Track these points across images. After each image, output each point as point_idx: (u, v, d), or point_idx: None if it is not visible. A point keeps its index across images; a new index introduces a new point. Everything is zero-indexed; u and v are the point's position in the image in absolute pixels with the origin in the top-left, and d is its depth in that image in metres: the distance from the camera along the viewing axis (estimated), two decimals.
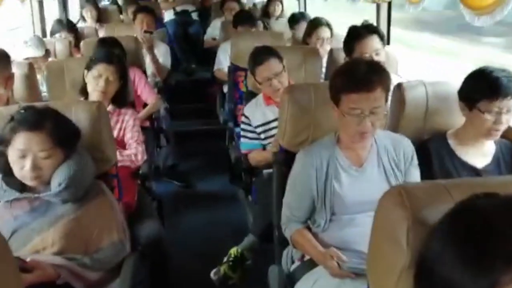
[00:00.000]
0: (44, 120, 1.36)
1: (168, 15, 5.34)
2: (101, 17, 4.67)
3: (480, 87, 1.58)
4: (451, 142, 1.72)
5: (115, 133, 2.20)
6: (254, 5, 5.24)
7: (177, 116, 4.16)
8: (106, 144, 1.60)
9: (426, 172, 1.66)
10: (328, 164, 1.56)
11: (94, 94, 2.20)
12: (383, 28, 2.79)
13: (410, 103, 1.76)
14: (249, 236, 2.21)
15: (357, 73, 1.44)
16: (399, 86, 1.77)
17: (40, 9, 3.75)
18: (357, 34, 2.21)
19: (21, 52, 2.87)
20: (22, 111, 1.37)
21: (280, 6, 4.95)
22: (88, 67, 2.21)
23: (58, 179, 1.37)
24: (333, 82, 1.51)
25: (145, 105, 3.08)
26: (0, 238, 0.78)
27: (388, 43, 2.81)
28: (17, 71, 2.16)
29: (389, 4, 2.79)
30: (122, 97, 2.27)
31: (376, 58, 2.18)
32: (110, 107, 2.24)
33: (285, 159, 1.74)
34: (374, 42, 2.19)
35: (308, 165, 1.57)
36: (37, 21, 3.75)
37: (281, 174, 1.72)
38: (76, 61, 2.47)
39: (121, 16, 4.98)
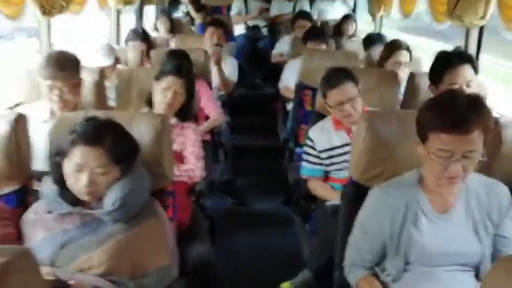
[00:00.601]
0: (104, 135, 1.30)
1: (239, 30, 5.36)
2: (174, 28, 4.77)
3: None
4: None
5: (176, 147, 2.14)
6: (327, 22, 5.10)
7: (238, 130, 4.12)
8: (166, 160, 1.52)
9: None
10: (407, 207, 1.37)
11: (160, 106, 2.16)
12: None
13: (507, 143, 1.52)
14: (304, 272, 2.03)
15: (453, 109, 1.23)
16: (495, 122, 1.54)
17: (116, 18, 3.87)
18: (447, 61, 1.99)
19: (92, 61, 2.95)
20: (84, 123, 1.32)
21: (354, 25, 4.79)
22: (157, 78, 2.18)
23: (112, 198, 1.30)
24: (421, 115, 1.31)
25: (207, 118, 3.03)
26: (27, 252, 0.73)
27: (477, 72, 2.54)
28: (88, 77, 2.17)
29: (481, 29, 2.53)
30: (187, 110, 2.21)
31: (467, 90, 1.95)
32: (173, 120, 2.19)
33: (355, 193, 1.56)
34: (466, 72, 1.96)
35: (383, 204, 1.38)
36: (113, 29, 3.87)
37: (350, 209, 1.54)
38: (145, 71, 2.46)
39: (193, 28, 5.06)
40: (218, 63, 3.43)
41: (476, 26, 2.46)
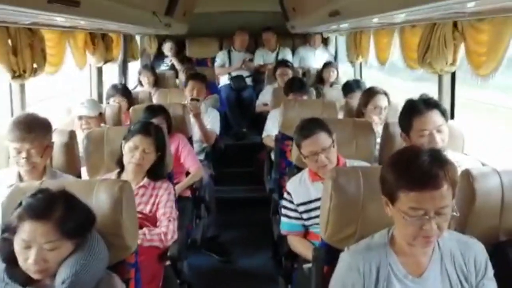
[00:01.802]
0: (52, 209, 1.24)
1: (223, 80, 5.43)
2: (159, 82, 4.81)
3: None
4: None
5: (148, 208, 2.09)
6: (308, 70, 5.18)
7: (223, 181, 4.07)
8: (127, 230, 1.44)
9: (504, 284, 1.33)
10: (379, 271, 1.29)
11: (129, 166, 2.11)
12: (445, 99, 2.54)
13: (481, 196, 1.46)
14: None
15: (420, 166, 1.19)
16: (467, 174, 1.49)
17: (98, 75, 3.90)
18: (414, 109, 1.99)
19: (75, 111, 2.94)
20: (32, 196, 1.26)
21: (335, 72, 4.86)
22: (126, 138, 2.14)
23: (63, 276, 1.22)
24: (386, 175, 1.26)
25: (188, 172, 2.98)
26: None
27: (452, 117, 2.54)
28: (58, 139, 2.14)
29: (453, 74, 2.55)
30: (159, 170, 2.16)
31: (437, 135, 1.93)
32: (145, 180, 2.14)
33: (327, 256, 1.48)
34: (434, 117, 1.95)
35: (353, 269, 1.30)
36: (95, 86, 3.89)
37: (321, 274, 1.46)
38: (116, 130, 2.42)
39: (177, 81, 5.11)
40: (197, 116, 3.43)
41: (447, 72, 2.47)
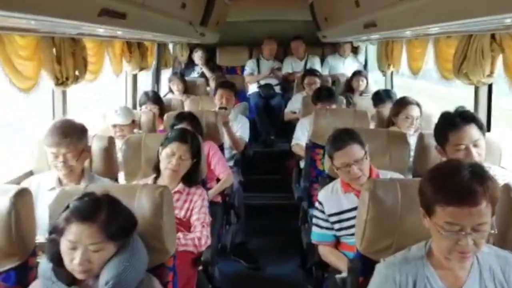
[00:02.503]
0: (98, 212, 1.29)
1: (252, 88, 5.48)
2: (189, 89, 4.90)
3: None
4: None
5: (182, 214, 2.13)
6: (338, 79, 5.17)
7: (251, 188, 4.08)
8: (167, 234, 1.49)
9: None
10: (415, 283, 1.28)
11: (165, 172, 2.17)
12: (481, 112, 2.50)
13: None
14: None
15: (459, 182, 1.18)
16: (507, 189, 1.46)
17: (133, 82, 4.01)
18: (451, 122, 1.95)
19: (110, 118, 3.03)
20: (78, 199, 1.32)
21: (365, 81, 4.83)
22: (163, 144, 2.20)
23: (106, 277, 1.27)
24: (424, 187, 1.26)
25: (218, 179, 3.02)
26: None
27: (489, 129, 2.49)
28: (97, 144, 2.21)
29: (490, 86, 2.51)
30: (194, 176, 2.21)
31: (474, 150, 1.90)
32: (180, 186, 2.18)
33: (362, 268, 1.48)
34: (471, 132, 1.92)
35: (389, 281, 1.30)
36: (130, 93, 4.00)
37: (357, 285, 1.46)
38: (153, 137, 2.49)
39: (208, 89, 5.19)
40: (225, 124, 3.48)
41: (484, 84, 2.43)
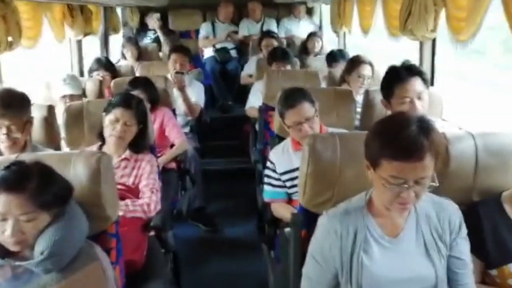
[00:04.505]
0: (27, 180, 1.23)
1: (207, 52, 5.35)
2: (142, 55, 4.73)
3: None
4: (507, 206, 1.43)
5: (131, 181, 2.09)
6: (293, 41, 5.13)
7: (210, 154, 4.07)
8: (107, 200, 1.45)
9: (476, 243, 1.38)
10: (356, 233, 1.32)
11: (110, 139, 2.10)
12: (426, 66, 2.55)
13: (456, 159, 1.50)
14: None
15: (405, 137, 1.18)
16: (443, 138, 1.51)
17: (78, 49, 3.82)
18: (397, 75, 1.98)
19: (58, 90, 2.88)
20: (4, 170, 1.26)
21: (320, 42, 4.81)
22: (106, 111, 2.12)
23: (41, 247, 1.23)
24: (371, 140, 1.26)
25: (172, 145, 2.98)
26: None
27: (432, 83, 2.55)
28: (37, 114, 2.11)
29: (433, 41, 2.55)
30: (141, 142, 2.16)
31: (418, 103, 1.94)
32: (127, 153, 2.13)
33: (305, 221, 1.51)
34: (416, 84, 1.96)
35: (331, 232, 1.33)
36: (75, 60, 3.81)
37: (299, 238, 1.49)
38: (96, 103, 2.39)
39: (161, 54, 5.03)
40: (181, 90, 3.40)
41: (428, 39, 2.47)
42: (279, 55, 3.59)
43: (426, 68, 2.53)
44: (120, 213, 1.83)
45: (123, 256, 1.55)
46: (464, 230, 1.35)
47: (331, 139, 1.49)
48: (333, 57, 3.73)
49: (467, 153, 1.50)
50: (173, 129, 2.95)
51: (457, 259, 1.33)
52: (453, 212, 1.35)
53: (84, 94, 3.07)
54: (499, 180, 1.50)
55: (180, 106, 3.47)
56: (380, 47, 5.76)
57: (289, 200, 2.15)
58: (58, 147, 2.23)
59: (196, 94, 3.65)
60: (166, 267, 2.02)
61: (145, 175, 2.09)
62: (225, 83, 5.14)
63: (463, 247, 1.34)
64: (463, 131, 1.56)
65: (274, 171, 2.14)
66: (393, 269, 1.29)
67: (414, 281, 1.30)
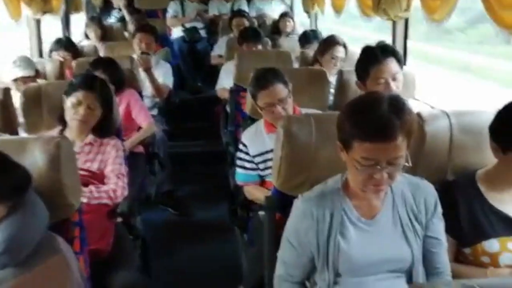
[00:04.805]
0: None
1: (176, 32, 5.19)
2: (106, 35, 4.53)
3: None
4: (482, 185, 1.42)
5: (95, 166, 1.98)
6: (264, 21, 5.03)
7: (180, 136, 3.99)
8: (68, 188, 1.35)
9: (451, 222, 1.37)
10: (332, 215, 1.28)
11: (73, 123, 1.98)
12: (399, 47, 2.53)
13: (431, 138, 1.47)
14: None
15: (377, 117, 1.14)
16: (417, 117, 1.48)
17: (37, 28, 3.60)
18: (372, 56, 1.95)
19: (9, 73, 2.70)
20: None
21: (292, 22, 4.75)
22: (67, 93, 1.99)
23: None
24: (343, 121, 1.21)
25: (139, 128, 2.87)
26: None
27: (405, 63, 2.54)
28: None
29: (406, 21, 2.52)
30: (105, 126, 2.04)
31: (393, 83, 1.92)
32: (90, 137, 2.01)
33: (280, 204, 1.46)
34: (391, 65, 1.93)
35: (307, 215, 1.29)
36: (34, 40, 3.59)
37: (274, 221, 1.44)
38: (55, 85, 2.25)
39: (126, 34, 4.83)
40: (147, 71, 3.27)
41: (401, 18, 2.44)
42: (250, 35, 3.51)
43: (399, 48, 2.51)
44: (84, 200, 1.75)
45: (87, 245, 1.46)
46: (440, 210, 1.34)
47: (306, 120, 1.44)
48: (306, 38, 3.68)
49: (442, 132, 1.48)
50: (140, 111, 2.84)
51: (432, 238, 1.32)
52: (429, 192, 1.34)
53: (41, 77, 2.89)
54: (473, 158, 1.49)
55: (147, 87, 3.35)
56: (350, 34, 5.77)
57: (262, 181, 2.11)
58: (15, 133, 2.08)
59: (164, 74, 3.53)
60: (134, 254, 1.95)
61: (111, 160, 1.98)
62: (194, 64, 5.03)
63: (439, 226, 1.33)
64: (438, 110, 1.54)
65: (247, 153, 2.10)
66: (370, 251, 1.27)
67: (391, 262, 1.29)
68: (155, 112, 3.42)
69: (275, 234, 1.43)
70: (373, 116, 1.14)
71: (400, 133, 1.14)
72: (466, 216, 1.39)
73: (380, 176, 1.17)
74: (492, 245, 1.35)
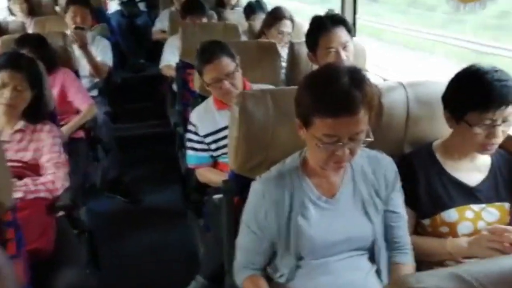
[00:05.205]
0: None
1: (112, 6, 4.85)
2: (34, 10, 4.12)
3: (468, 97, 1.27)
4: (439, 155, 1.42)
5: (28, 156, 1.79)
6: None
7: (123, 118, 3.77)
8: None
9: (410, 194, 1.35)
10: (292, 196, 1.22)
11: None
12: (348, 17, 2.48)
13: (388, 110, 1.44)
14: (197, 278, 1.83)
15: (336, 90, 1.07)
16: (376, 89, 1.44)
17: None
18: (321, 25, 1.90)
19: None
20: None
21: None
22: None
23: None
24: (301, 97, 1.14)
25: (78, 112, 2.64)
26: None
27: (354, 34, 2.50)
28: None
29: None
30: (37, 110, 1.83)
31: (343, 53, 1.88)
32: (21, 123, 1.81)
33: (238, 187, 1.38)
34: (341, 34, 1.89)
35: (265, 198, 1.21)
36: None
37: (233, 206, 1.36)
38: None
39: (57, 8, 4.43)
40: (84, 47, 3.01)
41: None
42: (193, 7, 3.32)
43: (348, 19, 2.46)
44: (19, 195, 1.57)
45: (25, 246, 1.30)
46: (399, 183, 1.32)
47: (262, 96, 1.35)
48: (251, 9, 3.56)
49: (399, 104, 1.46)
50: (77, 93, 2.62)
51: (392, 212, 1.30)
52: (388, 166, 1.31)
53: None
54: (429, 129, 1.48)
55: (84, 66, 3.09)
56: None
57: (215, 163, 2.01)
58: None
59: (102, 52, 3.27)
60: (80, 250, 1.80)
61: (46, 148, 1.79)
62: (135, 40, 4.75)
63: (398, 200, 1.31)
64: (394, 82, 1.51)
65: (196, 133, 1.99)
66: (332, 231, 1.23)
67: (353, 241, 1.26)
68: (95, 93, 3.19)
69: (234, 219, 1.35)
70: (334, 90, 1.08)
71: (362, 107, 1.09)
72: (424, 188, 1.39)
73: (342, 153, 1.12)
74: (450, 214, 1.35)
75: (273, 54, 2.25)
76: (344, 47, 1.90)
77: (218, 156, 1.98)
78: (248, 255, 1.28)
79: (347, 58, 1.91)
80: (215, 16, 3.81)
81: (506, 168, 1.41)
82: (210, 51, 1.94)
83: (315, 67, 1.97)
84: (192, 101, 2.41)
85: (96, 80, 3.22)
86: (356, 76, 1.11)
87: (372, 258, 1.28)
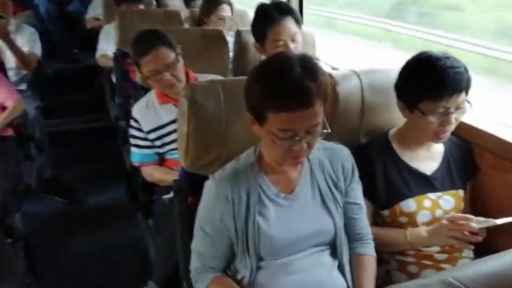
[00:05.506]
0: None
1: None
2: None
3: (421, 86, 1.26)
4: (395, 145, 1.41)
5: None
6: None
7: (57, 113, 3.53)
8: None
9: (368, 185, 1.33)
10: (249, 195, 1.14)
11: None
12: (294, 5, 2.43)
13: (344, 99, 1.40)
14: (149, 285, 1.71)
15: (289, 81, 1.00)
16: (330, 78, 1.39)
17: None
18: (268, 16, 1.82)
19: None
20: None
21: None
22: None
23: None
24: (251, 90, 1.06)
25: (4, 108, 2.39)
26: None
27: (303, 22, 2.45)
28: None
29: None
30: None
31: (292, 44, 1.83)
32: None
33: (190, 187, 1.28)
34: (289, 25, 1.82)
35: (221, 198, 1.13)
36: None
37: (186, 207, 1.26)
38: None
39: None
40: (5, 37, 2.74)
41: None
42: None
43: (294, 6, 2.41)
44: None
45: None
46: (357, 174, 1.29)
47: (212, 87, 1.25)
48: None
49: (354, 92, 1.42)
50: (1, 87, 2.38)
51: (352, 204, 1.27)
52: (346, 157, 1.27)
53: None
54: (383, 118, 1.46)
55: (9, 58, 2.82)
56: None
57: (162, 160, 1.90)
58: None
59: (29, 41, 3.01)
60: (15, 260, 1.62)
61: None
62: (66, 28, 4.43)
63: (357, 191, 1.28)
64: (348, 70, 1.47)
65: (140, 129, 1.87)
66: (292, 228, 1.17)
67: (314, 237, 1.21)
68: (23, 86, 2.95)
69: (188, 221, 1.25)
70: (287, 82, 1.01)
71: (317, 98, 1.03)
72: (382, 178, 1.37)
73: (299, 148, 1.06)
74: (409, 205, 1.34)
75: (220, 42, 2.15)
76: (293, 39, 1.84)
77: (165, 152, 1.87)
78: (205, 260, 1.19)
79: (296, 49, 1.85)
80: (154, 3, 3.62)
81: (458, 155, 1.43)
82: (146, 41, 1.80)
83: (263, 57, 1.90)
84: (133, 92, 2.25)
85: (24, 72, 2.96)
86: (308, 65, 1.05)
87: (334, 253, 1.24)
